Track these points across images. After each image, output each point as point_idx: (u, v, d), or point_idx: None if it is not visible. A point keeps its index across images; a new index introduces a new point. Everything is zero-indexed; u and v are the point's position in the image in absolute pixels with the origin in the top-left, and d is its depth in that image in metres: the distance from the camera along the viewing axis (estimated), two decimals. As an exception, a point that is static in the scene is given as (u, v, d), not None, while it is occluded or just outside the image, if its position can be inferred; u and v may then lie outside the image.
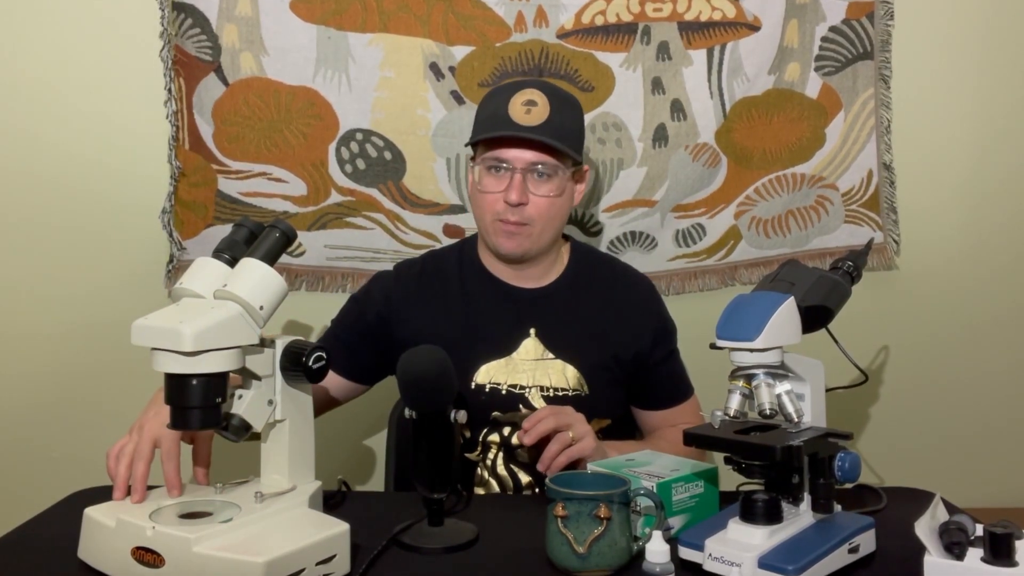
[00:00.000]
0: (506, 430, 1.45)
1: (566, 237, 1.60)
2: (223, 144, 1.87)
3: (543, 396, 1.45)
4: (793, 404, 1.07)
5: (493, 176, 1.42)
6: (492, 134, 1.40)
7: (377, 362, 1.52)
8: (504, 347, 1.47)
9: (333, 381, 1.50)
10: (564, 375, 1.46)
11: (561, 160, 1.41)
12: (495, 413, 1.45)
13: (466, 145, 1.50)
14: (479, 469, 1.48)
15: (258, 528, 1.05)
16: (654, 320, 1.54)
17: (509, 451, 1.46)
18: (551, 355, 1.47)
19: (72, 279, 1.91)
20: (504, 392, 1.45)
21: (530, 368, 1.46)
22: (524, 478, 1.46)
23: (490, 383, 1.45)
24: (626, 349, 1.49)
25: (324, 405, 1.52)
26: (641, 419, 1.59)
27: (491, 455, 1.47)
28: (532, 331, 1.47)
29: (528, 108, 1.39)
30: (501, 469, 1.47)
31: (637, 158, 1.92)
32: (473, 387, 1.45)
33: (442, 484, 1.17)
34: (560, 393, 1.45)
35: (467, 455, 1.48)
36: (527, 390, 1.45)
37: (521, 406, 1.44)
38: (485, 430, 1.46)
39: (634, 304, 1.53)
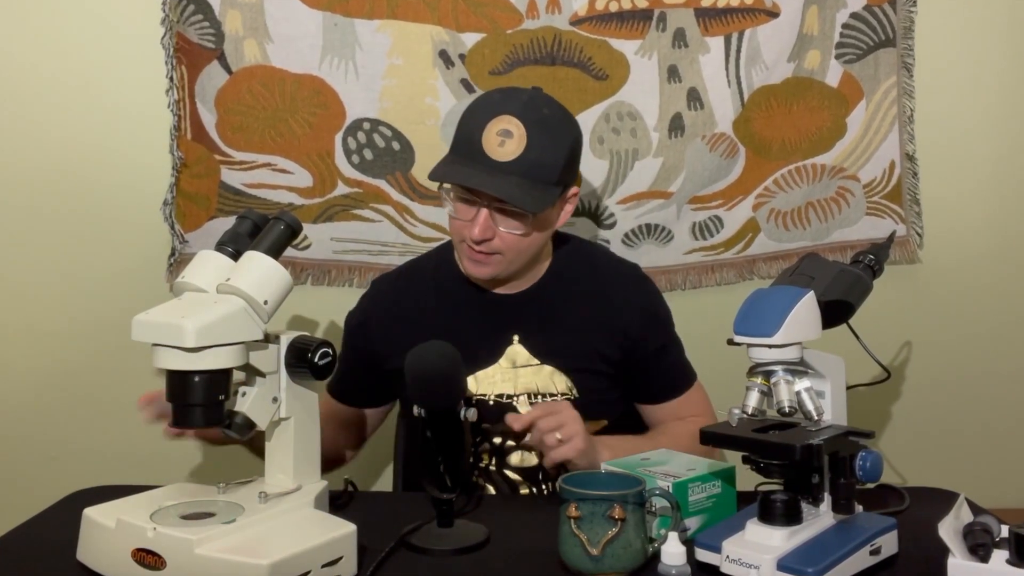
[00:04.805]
0: (496, 439, 1.43)
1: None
2: (226, 134, 1.85)
3: (532, 404, 1.42)
4: (813, 402, 1.05)
5: (463, 204, 1.36)
6: (457, 170, 1.34)
7: (378, 386, 1.53)
8: (487, 357, 1.43)
9: (354, 412, 1.54)
10: (552, 380, 1.43)
11: None
12: (484, 425, 1.42)
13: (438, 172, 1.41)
14: (474, 476, 1.45)
15: (262, 529, 1.04)
16: (640, 311, 1.48)
17: (500, 456, 1.44)
18: (536, 361, 1.43)
19: (71, 273, 1.90)
20: (491, 403, 1.42)
21: (516, 376, 1.43)
22: (517, 479, 1.45)
23: (476, 395, 1.42)
24: (612, 345, 1.45)
25: (361, 437, 1.59)
26: (644, 413, 1.55)
27: (483, 463, 1.45)
28: (515, 338, 1.44)
29: (502, 140, 1.31)
30: (495, 476, 1.45)
31: (653, 148, 1.89)
32: None
33: (452, 484, 1.15)
34: (548, 399, 1.42)
35: None
36: (515, 399, 1.43)
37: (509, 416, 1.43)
38: (477, 439, 1.43)
39: (617, 297, 1.48)
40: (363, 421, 1.57)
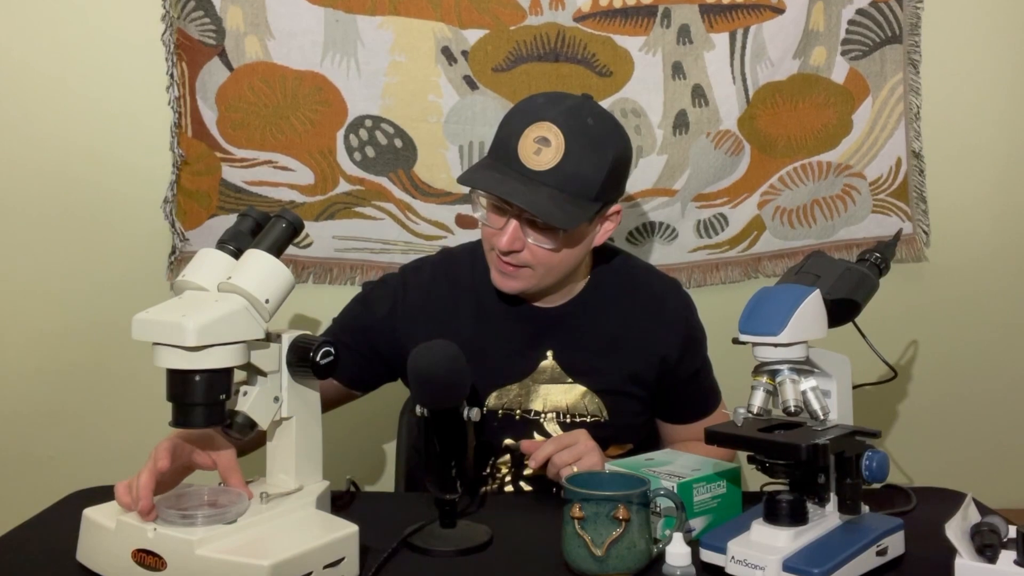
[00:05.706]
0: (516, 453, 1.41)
1: None
2: (227, 131, 1.84)
3: (559, 423, 1.39)
4: (819, 401, 1.05)
5: (494, 212, 1.30)
6: (488, 176, 1.27)
7: (376, 371, 1.47)
8: (519, 370, 1.39)
9: (326, 385, 1.44)
10: (583, 402, 1.39)
11: None
12: (507, 441, 1.39)
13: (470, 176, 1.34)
14: (486, 487, 1.43)
15: (263, 530, 1.04)
16: (680, 335, 1.43)
17: (518, 467, 1.41)
18: (569, 379, 1.39)
19: (71, 272, 1.89)
20: (518, 418, 1.39)
21: (546, 393, 1.39)
22: (531, 490, 1.43)
23: (503, 409, 1.38)
24: (649, 369, 1.41)
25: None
26: (663, 429, 1.52)
27: (499, 475, 1.43)
28: (549, 353, 1.40)
29: (539, 148, 1.23)
30: (508, 487, 1.43)
31: (657, 145, 1.88)
32: (484, 412, 1.36)
33: (454, 484, 1.14)
34: (578, 419, 1.38)
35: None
36: (542, 416, 1.39)
37: (536, 433, 1.39)
38: (505, 444, 1.41)
39: (658, 320, 1.42)
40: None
